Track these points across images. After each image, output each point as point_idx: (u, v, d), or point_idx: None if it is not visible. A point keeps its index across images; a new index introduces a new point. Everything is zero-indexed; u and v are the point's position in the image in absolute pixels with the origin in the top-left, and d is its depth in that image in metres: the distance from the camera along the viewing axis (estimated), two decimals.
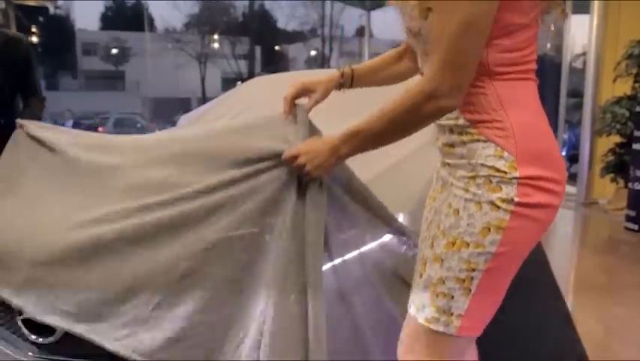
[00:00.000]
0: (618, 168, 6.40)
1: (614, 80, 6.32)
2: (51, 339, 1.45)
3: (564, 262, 4.51)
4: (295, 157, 1.30)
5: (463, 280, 1.14)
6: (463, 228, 1.13)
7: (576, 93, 9.30)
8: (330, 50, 37.29)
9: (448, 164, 1.22)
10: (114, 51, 36.32)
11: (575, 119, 10.49)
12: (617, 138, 6.44)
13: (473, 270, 1.13)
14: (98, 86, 35.60)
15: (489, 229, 1.11)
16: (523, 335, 2.65)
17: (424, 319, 1.19)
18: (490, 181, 1.11)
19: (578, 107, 8.47)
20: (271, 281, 1.31)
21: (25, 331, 1.49)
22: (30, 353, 1.48)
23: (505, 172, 1.10)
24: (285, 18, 56.54)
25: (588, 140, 7.12)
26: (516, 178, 1.09)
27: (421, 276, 1.22)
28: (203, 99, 29.27)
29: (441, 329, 1.17)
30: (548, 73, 9.74)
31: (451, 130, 1.20)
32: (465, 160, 1.16)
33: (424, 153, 1.97)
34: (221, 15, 37.38)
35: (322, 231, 1.34)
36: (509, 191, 1.10)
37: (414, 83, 1.13)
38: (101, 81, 36.45)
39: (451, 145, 1.20)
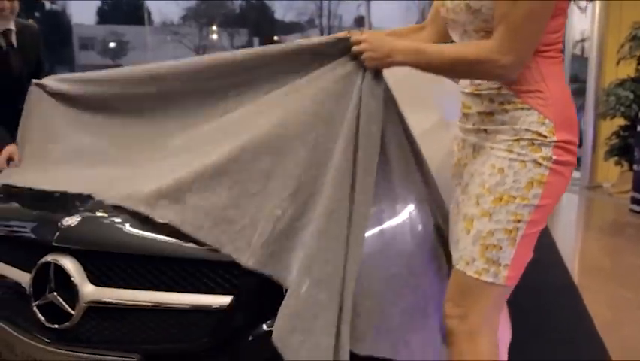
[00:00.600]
0: (622, 150, 6.37)
1: (618, 63, 6.28)
2: (67, 325, 1.44)
3: (570, 245, 4.50)
4: (359, 42, 1.37)
5: (510, 231, 1.29)
6: (509, 184, 1.29)
7: (576, 79, 9.26)
8: None
9: (485, 130, 1.38)
10: (112, 45, 36.13)
11: (577, 104, 10.46)
12: (621, 121, 6.41)
13: (519, 221, 1.29)
14: None
15: (532, 184, 1.28)
16: (534, 316, 2.65)
17: (473, 271, 1.32)
18: (533, 143, 1.29)
19: (580, 92, 8.44)
20: (331, 176, 1.36)
21: (41, 317, 1.47)
22: (46, 340, 1.47)
23: (546, 136, 1.28)
24: (283, 9, 56.26)
25: (592, 123, 7.09)
26: (554, 142, 1.29)
27: (468, 232, 1.34)
28: None
29: (490, 279, 1.31)
30: None
31: (491, 99, 1.36)
32: (507, 126, 1.32)
33: (439, 130, 2.01)
34: (219, 7, 37.21)
35: (380, 122, 1.38)
36: (547, 151, 1.29)
37: (483, 42, 1.27)
38: None
39: (490, 113, 1.36)
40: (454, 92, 2.88)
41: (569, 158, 1.31)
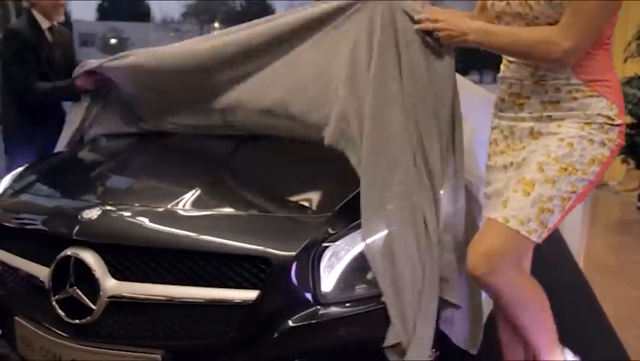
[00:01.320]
0: (629, 149, 6.31)
1: (625, 61, 6.24)
2: (88, 320, 1.41)
3: (576, 243, 4.47)
4: (437, 20, 1.52)
5: (564, 199, 1.43)
6: (576, 158, 1.42)
7: None
8: None
9: (549, 116, 1.48)
10: (113, 41, 36.04)
11: None
12: (628, 119, 6.37)
13: (574, 192, 1.43)
14: None
15: (594, 162, 1.43)
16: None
17: (526, 231, 1.42)
18: (603, 127, 1.43)
19: None
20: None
21: (61, 312, 1.44)
22: (66, 335, 1.44)
23: (614, 120, 1.44)
24: (283, 7, 56.25)
25: None
26: (618, 125, 1.45)
27: (527, 195, 1.43)
28: None
29: (535, 239, 1.44)
30: None
31: (558, 89, 1.46)
32: (578, 112, 1.44)
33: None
34: (219, 4, 37.17)
35: (452, 92, 1.59)
36: (613, 135, 1.45)
37: (547, 27, 1.40)
38: None
39: (556, 101, 1.47)
40: (469, 89, 2.90)
41: (622, 140, 1.47)
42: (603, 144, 1.43)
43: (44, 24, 2.58)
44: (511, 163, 1.54)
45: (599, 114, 1.43)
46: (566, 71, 1.43)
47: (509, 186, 1.49)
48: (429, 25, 1.53)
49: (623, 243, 4.45)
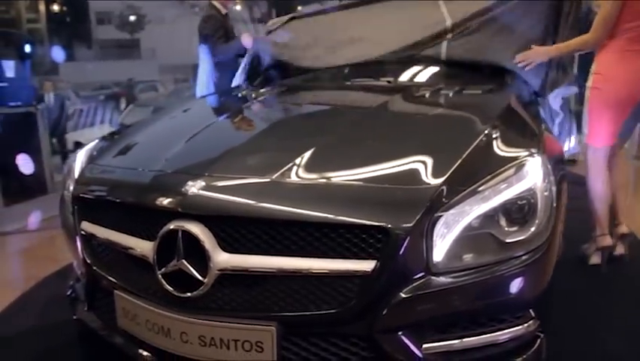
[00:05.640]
0: None
1: None
2: (200, 292, 1.39)
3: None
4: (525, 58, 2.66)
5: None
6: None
7: None
8: None
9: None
10: (132, 18, 35.84)
11: None
12: None
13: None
14: (114, 56, 35.17)
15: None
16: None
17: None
18: (590, 76, 2.86)
19: None
20: None
21: (168, 286, 1.43)
22: (173, 308, 1.43)
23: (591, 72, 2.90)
24: None
25: None
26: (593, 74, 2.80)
27: None
28: None
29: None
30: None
31: None
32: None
33: None
34: None
35: None
36: (590, 80, 2.81)
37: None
38: (116, 50, 36.00)
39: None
40: None
41: (596, 85, 2.69)
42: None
43: (223, 11, 3.99)
44: None
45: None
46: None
47: None
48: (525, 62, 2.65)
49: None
